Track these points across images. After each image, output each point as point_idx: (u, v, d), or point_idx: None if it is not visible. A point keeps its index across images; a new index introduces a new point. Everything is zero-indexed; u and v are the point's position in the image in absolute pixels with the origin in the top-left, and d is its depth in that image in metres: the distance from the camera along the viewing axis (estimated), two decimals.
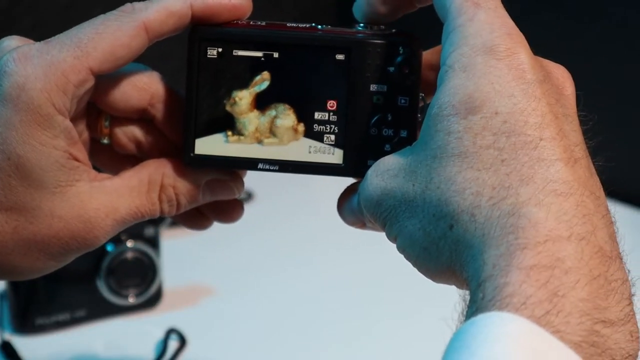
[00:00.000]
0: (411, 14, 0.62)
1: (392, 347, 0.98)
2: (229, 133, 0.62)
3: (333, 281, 1.11)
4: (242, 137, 0.62)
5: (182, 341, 0.98)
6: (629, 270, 0.51)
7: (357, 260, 1.13)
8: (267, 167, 0.62)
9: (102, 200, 0.59)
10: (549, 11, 1.36)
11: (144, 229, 1.01)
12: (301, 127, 0.62)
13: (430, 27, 0.61)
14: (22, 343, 0.96)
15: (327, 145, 0.62)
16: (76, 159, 0.58)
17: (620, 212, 1.19)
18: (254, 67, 0.61)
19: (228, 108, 0.61)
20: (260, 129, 0.62)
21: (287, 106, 0.62)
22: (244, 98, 0.61)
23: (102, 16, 0.59)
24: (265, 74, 0.61)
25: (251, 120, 0.62)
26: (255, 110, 0.62)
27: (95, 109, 0.63)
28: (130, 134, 0.64)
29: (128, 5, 0.59)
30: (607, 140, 1.20)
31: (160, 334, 0.99)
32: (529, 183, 0.50)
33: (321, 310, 1.06)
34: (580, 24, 1.34)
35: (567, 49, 1.33)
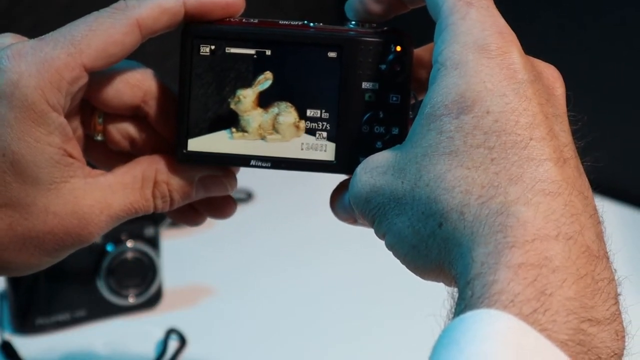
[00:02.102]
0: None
1: (384, 343, 0.99)
2: (234, 130, 0.62)
3: (332, 281, 1.12)
4: (246, 134, 0.62)
5: (182, 341, 0.98)
6: (615, 270, 0.51)
7: (356, 260, 1.13)
8: (260, 164, 0.62)
9: (96, 197, 0.60)
10: (546, 10, 1.36)
11: (144, 229, 1.01)
12: (302, 124, 0.62)
13: (422, 26, 0.61)
14: (22, 343, 0.96)
15: (319, 142, 0.62)
16: (70, 156, 0.59)
17: (617, 211, 1.19)
18: (247, 66, 0.62)
19: (232, 106, 0.62)
20: (263, 126, 0.62)
21: (288, 104, 0.62)
22: (247, 96, 0.62)
23: (95, 13, 0.59)
24: (268, 74, 0.62)
25: (254, 117, 0.62)
26: (258, 108, 0.62)
27: (89, 106, 0.63)
28: (123, 130, 0.64)
29: (121, 3, 0.59)
30: (605, 138, 1.20)
31: (160, 334, 0.99)
32: (517, 182, 0.50)
33: (320, 309, 1.06)
34: (579, 22, 1.34)
35: (564, 47, 1.34)
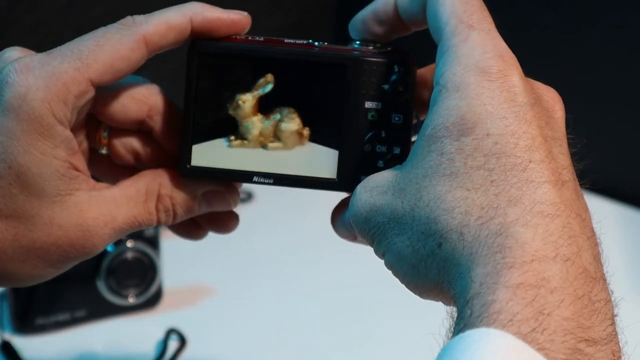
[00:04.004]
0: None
1: (382, 354, 0.99)
2: (232, 137, 0.62)
3: (332, 282, 1.12)
4: (245, 142, 0.63)
5: (182, 341, 0.98)
6: (612, 291, 0.51)
7: (356, 261, 1.12)
8: (262, 180, 0.63)
9: (100, 210, 0.60)
10: (546, 12, 1.37)
11: (144, 229, 1.01)
12: (306, 132, 0.63)
13: (425, 45, 0.61)
14: (22, 343, 0.96)
15: (321, 160, 0.62)
16: (76, 169, 0.59)
17: (617, 211, 1.18)
18: (253, 83, 0.62)
19: (231, 111, 0.62)
20: (264, 133, 0.62)
21: (291, 109, 0.62)
22: (247, 101, 0.62)
23: (102, 28, 0.59)
24: (269, 76, 0.62)
25: (255, 124, 0.62)
26: (258, 114, 0.62)
27: (94, 120, 0.64)
28: (128, 145, 0.65)
29: (129, 18, 0.60)
30: (606, 138, 1.20)
31: (160, 334, 0.99)
32: (516, 204, 0.51)
33: (320, 310, 1.06)
34: (577, 23, 1.34)
35: (564, 47, 1.34)
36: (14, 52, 0.60)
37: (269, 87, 0.62)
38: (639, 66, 1.30)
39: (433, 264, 0.53)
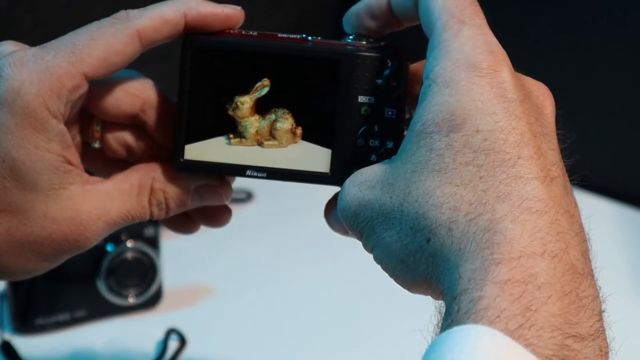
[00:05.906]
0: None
1: (374, 351, 0.99)
2: (231, 135, 0.63)
3: (332, 281, 1.12)
4: (243, 140, 0.63)
5: (182, 341, 0.98)
6: (600, 287, 0.51)
7: (355, 261, 1.12)
8: (255, 174, 0.63)
9: (94, 203, 0.61)
10: (544, 11, 1.37)
11: (144, 229, 1.01)
12: (299, 131, 0.63)
13: (418, 40, 0.61)
14: (22, 343, 0.96)
15: (314, 154, 0.63)
16: (69, 163, 0.60)
17: (617, 211, 1.18)
18: (246, 77, 0.62)
19: (230, 112, 0.63)
20: (260, 132, 0.63)
21: (285, 110, 0.63)
22: (245, 103, 0.62)
23: (96, 22, 0.60)
24: (266, 81, 0.62)
25: (252, 123, 0.63)
26: (255, 115, 0.63)
27: (87, 113, 0.64)
28: (121, 139, 0.65)
29: (122, 13, 0.60)
30: (606, 138, 1.20)
31: (160, 334, 0.99)
32: (505, 200, 0.51)
33: (320, 310, 1.07)
34: (574, 23, 1.34)
35: (561, 47, 1.34)
36: (8, 46, 0.60)
37: (265, 91, 0.62)
38: (636, 65, 1.30)
39: (422, 259, 0.53)
